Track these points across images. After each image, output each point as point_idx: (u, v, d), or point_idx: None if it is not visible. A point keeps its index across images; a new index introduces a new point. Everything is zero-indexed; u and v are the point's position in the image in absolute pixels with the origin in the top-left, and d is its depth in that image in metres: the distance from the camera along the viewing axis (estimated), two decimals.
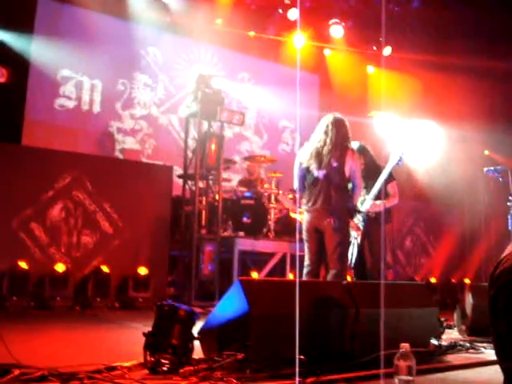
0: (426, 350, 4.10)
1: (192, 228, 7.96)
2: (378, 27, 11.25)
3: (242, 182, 9.49)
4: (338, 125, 5.46)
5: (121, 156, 10.46)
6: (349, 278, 6.17)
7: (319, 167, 5.33)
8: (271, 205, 8.80)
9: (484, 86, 11.41)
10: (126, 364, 3.21)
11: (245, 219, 8.67)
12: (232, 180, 10.43)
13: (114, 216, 7.85)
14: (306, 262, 5.40)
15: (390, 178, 6.12)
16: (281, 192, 9.03)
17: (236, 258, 8.20)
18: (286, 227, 9.05)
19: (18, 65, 9.13)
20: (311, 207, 5.36)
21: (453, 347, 4.52)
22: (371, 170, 6.07)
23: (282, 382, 3.05)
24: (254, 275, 8.38)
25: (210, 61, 11.73)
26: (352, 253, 5.90)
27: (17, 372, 2.85)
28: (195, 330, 3.50)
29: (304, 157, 5.48)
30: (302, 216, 5.62)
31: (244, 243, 8.40)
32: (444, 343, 4.53)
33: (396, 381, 2.78)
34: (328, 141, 5.36)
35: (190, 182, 8.40)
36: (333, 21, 11.86)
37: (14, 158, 7.29)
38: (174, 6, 10.76)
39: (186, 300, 7.45)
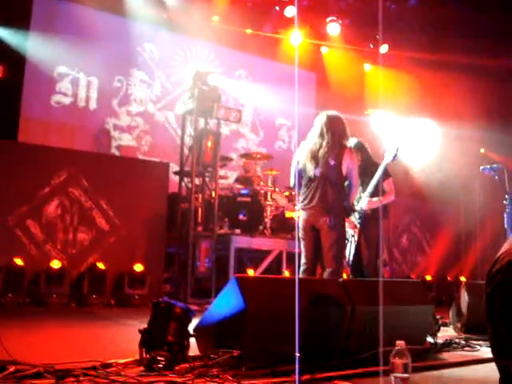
0: (421, 348, 4.11)
1: (188, 225, 7.96)
2: (375, 25, 11.25)
3: (238, 180, 9.49)
4: (333, 124, 5.44)
5: (117, 153, 10.45)
6: (345, 276, 6.17)
7: (316, 166, 5.33)
8: (267, 202, 8.80)
9: (481, 85, 11.42)
10: (122, 361, 3.21)
11: (241, 216, 8.67)
12: (228, 177, 10.43)
13: (110, 213, 7.84)
14: (303, 260, 5.40)
15: (386, 174, 6.11)
16: (277, 189, 9.03)
17: (232, 255, 8.20)
18: (282, 225, 9.06)
19: (14, 61, 9.11)
20: (307, 205, 5.36)
21: (448, 345, 4.53)
22: (368, 168, 6.07)
23: (277, 379, 3.05)
24: (250, 272, 8.38)
25: (207, 58, 11.72)
26: (349, 251, 5.91)
27: (12, 368, 2.84)
28: (191, 327, 3.49)
29: (301, 156, 5.47)
30: (299, 214, 5.62)
31: (240, 240, 8.40)
32: (439, 341, 4.54)
33: (392, 378, 2.78)
34: (324, 143, 5.35)
35: (186, 179, 8.39)
36: (330, 18, 11.85)
37: (10, 155, 7.28)
38: (170, 2, 10.74)
39: (182, 297, 7.45)
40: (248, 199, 8.74)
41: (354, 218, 5.91)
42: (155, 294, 7.12)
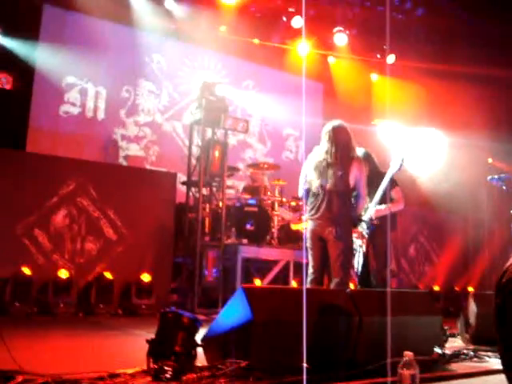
0: (429, 359, 4.09)
1: (195, 235, 7.96)
2: (382, 35, 11.27)
3: (245, 189, 9.49)
4: (338, 135, 5.43)
5: (125, 163, 10.48)
6: (352, 286, 6.16)
7: (322, 178, 5.32)
8: (274, 212, 8.80)
9: (488, 94, 11.41)
10: (129, 371, 3.21)
11: (248, 226, 8.66)
12: (236, 187, 10.44)
13: (117, 222, 7.86)
14: (310, 269, 5.40)
15: (393, 183, 6.10)
16: (284, 199, 9.03)
17: (239, 266, 8.18)
18: (290, 235, 9.05)
19: (23, 71, 9.17)
20: (314, 216, 5.36)
21: (456, 356, 4.51)
22: (374, 178, 6.06)
23: None
24: (257, 282, 8.37)
25: (215, 68, 11.77)
26: (357, 261, 5.89)
27: (20, 378, 2.85)
28: (198, 338, 3.49)
29: (308, 168, 5.48)
30: (305, 225, 5.62)
31: (247, 250, 8.39)
32: (448, 352, 4.51)
33: None
34: (330, 155, 5.35)
35: (193, 189, 8.40)
36: (337, 29, 11.88)
37: (19, 165, 7.31)
38: (178, 13, 10.80)
39: (190, 307, 7.44)
40: (255, 209, 8.74)
41: (362, 229, 5.90)
42: (162, 304, 7.12)
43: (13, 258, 7.01)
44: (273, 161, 11.61)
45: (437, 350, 4.38)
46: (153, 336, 3.35)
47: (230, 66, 11.90)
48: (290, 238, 9.02)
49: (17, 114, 9.15)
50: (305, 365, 3.06)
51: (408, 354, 2.79)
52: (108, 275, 7.53)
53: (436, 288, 10.93)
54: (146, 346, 3.28)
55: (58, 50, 9.53)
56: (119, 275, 7.62)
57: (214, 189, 8.58)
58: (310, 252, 5.43)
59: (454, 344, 5.35)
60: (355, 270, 5.90)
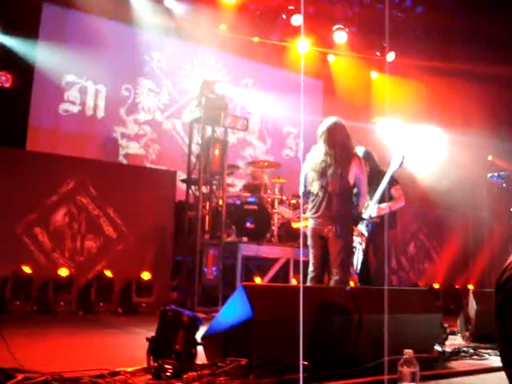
0: (429, 356, 4.09)
1: (195, 233, 7.96)
2: (381, 33, 11.27)
3: (246, 187, 9.49)
4: (335, 133, 5.40)
5: (125, 161, 10.48)
6: (352, 284, 6.16)
7: (322, 178, 5.31)
8: (274, 210, 8.80)
9: (488, 92, 11.40)
10: (130, 369, 3.21)
11: (248, 224, 8.66)
12: (236, 185, 10.44)
13: (117, 221, 7.86)
14: (311, 267, 5.40)
15: (394, 181, 6.10)
16: (284, 197, 9.03)
17: (239, 263, 8.19)
18: (290, 232, 9.05)
19: (23, 70, 9.16)
20: (314, 214, 5.37)
21: (456, 353, 4.51)
22: (375, 176, 6.06)
23: None
24: (258, 280, 8.37)
25: (214, 66, 11.76)
26: (357, 259, 5.90)
27: (20, 377, 2.85)
28: (199, 336, 3.49)
29: (307, 168, 5.47)
30: (306, 223, 5.62)
31: (247, 248, 8.39)
32: (448, 349, 4.52)
33: None
34: (327, 154, 5.33)
35: (193, 187, 8.40)
36: (336, 26, 11.86)
37: (19, 163, 7.32)
38: (177, 11, 10.79)
39: (190, 305, 7.45)
40: (255, 207, 8.75)
41: (362, 227, 5.90)
42: (162, 302, 7.13)
43: (13, 256, 7.02)
44: (273, 159, 11.61)
45: (437, 347, 4.38)
46: (153, 334, 3.36)
47: (230, 64, 11.89)
48: (290, 235, 9.02)
49: (16, 113, 9.14)
50: (304, 362, 3.07)
51: (408, 352, 2.79)
52: (108, 273, 7.54)
53: (436, 286, 10.93)
54: (146, 344, 3.28)
55: (58, 49, 9.52)
56: (119, 273, 7.63)
57: (214, 187, 8.58)
58: (310, 250, 5.44)
59: (454, 342, 5.35)
60: (354, 267, 5.90)
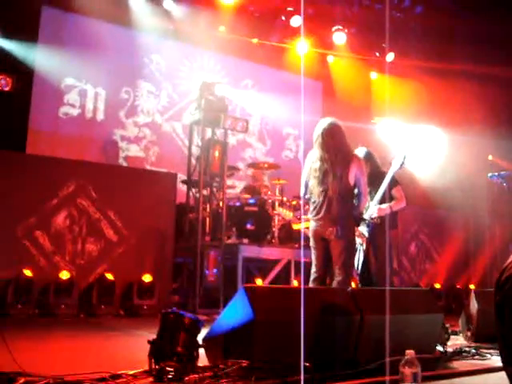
0: (431, 357, 4.09)
1: (196, 235, 7.96)
2: (381, 33, 11.28)
3: (246, 189, 9.49)
4: (330, 139, 5.36)
5: (125, 163, 10.48)
6: (353, 285, 6.15)
7: (323, 183, 5.30)
8: (275, 212, 8.79)
9: (488, 92, 11.40)
10: (131, 372, 3.21)
11: (249, 226, 8.66)
12: (236, 187, 10.44)
13: (118, 223, 7.86)
14: (313, 269, 5.39)
15: (395, 182, 6.09)
16: (285, 198, 9.03)
17: (240, 265, 8.19)
18: (290, 234, 9.05)
19: (23, 73, 9.16)
20: (315, 216, 5.36)
21: (458, 353, 4.51)
22: (376, 177, 6.05)
23: None
24: (259, 282, 8.37)
25: (214, 68, 11.76)
26: (358, 260, 5.89)
27: (22, 380, 2.85)
28: (200, 338, 3.49)
29: (306, 170, 5.46)
30: (307, 224, 5.61)
31: (248, 250, 8.39)
32: (449, 349, 4.52)
33: None
34: (325, 157, 5.31)
35: (193, 189, 8.40)
36: (336, 27, 11.87)
37: (18, 167, 7.33)
38: (176, 13, 10.79)
39: (191, 307, 7.44)
40: (256, 209, 8.75)
41: (363, 227, 5.89)
42: (164, 305, 7.13)
43: (14, 259, 7.03)
44: (273, 160, 11.61)
45: (438, 347, 4.38)
46: (154, 337, 3.35)
47: (229, 66, 11.89)
48: (291, 237, 9.01)
49: (16, 116, 9.14)
50: (306, 364, 3.06)
51: (410, 353, 2.79)
52: (109, 276, 7.54)
53: (437, 286, 10.93)
54: (148, 347, 3.28)
55: (57, 52, 9.53)
56: (120, 276, 7.63)
57: (215, 189, 8.58)
58: (313, 251, 5.43)
59: (456, 342, 5.34)
60: (355, 268, 5.90)
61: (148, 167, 10.58)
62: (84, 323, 6.71)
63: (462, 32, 11.19)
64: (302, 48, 11.92)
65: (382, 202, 5.95)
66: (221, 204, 8.38)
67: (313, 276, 5.37)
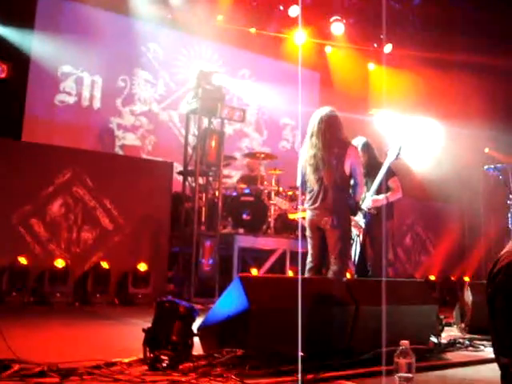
0: (425, 348, 4.10)
1: (192, 224, 7.97)
2: (379, 24, 11.25)
3: (242, 179, 9.49)
4: (327, 124, 5.34)
5: (121, 152, 10.46)
6: (348, 275, 6.17)
7: (318, 171, 5.29)
8: (271, 202, 8.80)
9: (485, 84, 11.39)
10: (126, 360, 3.21)
11: (244, 216, 8.67)
12: (232, 177, 10.44)
13: (113, 212, 7.85)
14: (309, 258, 5.39)
15: (391, 173, 6.08)
16: (281, 188, 9.03)
17: (236, 255, 8.21)
18: (286, 224, 9.06)
19: (19, 60, 9.11)
20: (311, 206, 5.35)
21: (452, 345, 4.53)
22: (373, 168, 6.04)
23: (281, 378, 3.05)
24: (254, 272, 8.38)
25: (211, 57, 11.72)
26: (355, 250, 5.89)
27: (16, 367, 2.85)
28: (195, 327, 3.50)
29: (302, 160, 5.45)
30: (303, 214, 5.61)
31: (244, 240, 8.40)
32: (443, 341, 4.53)
33: (396, 378, 2.77)
34: (321, 146, 5.29)
35: (190, 179, 8.40)
36: (334, 18, 11.84)
37: (14, 154, 7.29)
38: (174, 1, 10.75)
39: (186, 296, 7.46)
40: (252, 199, 8.74)
41: (360, 218, 5.89)
42: (159, 293, 7.12)
43: (9, 247, 7.01)
44: (269, 150, 11.60)
45: (433, 339, 4.39)
46: (149, 325, 3.36)
47: (227, 55, 11.85)
48: (287, 227, 9.03)
49: (12, 104, 9.11)
50: (300, 353, 3.07)
51: (404, 343, 2.80)
52: (104, 265, 7.53)
53: (432, 277, 10.97)
54: (143, 335, 3.28)
55: (54, 39, 9.48)
56: (116, 265, 7.62)
57: (211, 178, 8.58)
58: (309, 241, 5.43)
59: (450, 333, 5.36)
60: (352, 259, 5.90)
61: (144, 156, 10.57)
62: (79, 311, 6.71)
63: (460, 23, 11.18)
64: (299, 38, 11.88)
65: (378, 192, 5.95)
66: (217, 194, 8.38)
67: (308, 266, 5.38)
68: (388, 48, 12.23)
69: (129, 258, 7.77)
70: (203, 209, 8.45)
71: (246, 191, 8.88)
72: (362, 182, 5.47)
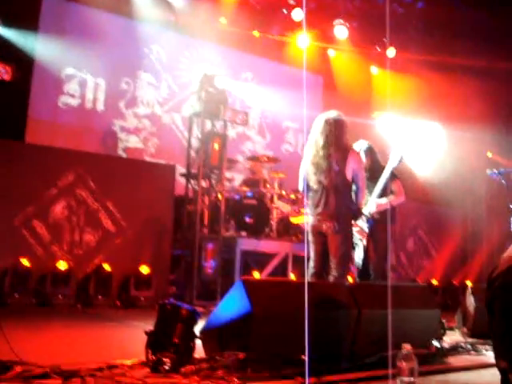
0: (427, 352, 4.10)
1: (194, 227, 7.96)
2: (382, 28, 11.23)
3: (245, 182, 9.49)
4: (331, 128, 5.34)
5: (124, 155, 10.46)
6: (350, 279, 6.16)
7: (320, 172, 5.29)
8: (273, 205, 8.79)
9: (489, 87, 11.39)
10: (128, 362, 3.22)
11: (247, 219, 8.67)
12: (235, 180, 10.43)
13: (116, 214, 7.85)
14: (311, 263, 5.39)
15: (394, 176, 6.08)
16: (284, 192, 9.03)
17: (238, 258, 8.19)
18: (289, 227, 9.05)
19: (23, 62, 9.12)
20: (314, 211, 5.35)
21: (454, 349, 4.53)
22: (376, 172, 6.04)
23: (283, 381, 3.06)
24: (256, 275, 8.37)
25: (214, 60, 11.71)
26: (357, 255, 5.88)
27: (19, 369, 2.86)
28: (197, 329, 3.50)
29: (305, 164, 5.45)
30: (306, 218, 5.61)
31: (246, 243, 8.39)
32: (445, 345, 4.53)
33: (398, 382, 2.77)
34: (324, 150, 5.29)
35: (192, 182, 8.40)
36: (337, 21, 11.84)
37: (18, 156, 7.30)
38: (178, 4, 10.76)
39: (188, 299, 7.45)
40: (254, 202, 8.74)
41: (362, 222, 5.88)
42: (161, 296, 7.12)
43: (12, 249, 7.01)
44: (272, 153, 11.59)
45: (435, 343, 4.39)
46: (151, 328, 3.36)
47: (230, 58, 11.85)
48: (289, 230, 9.02)
49: (16, 105, 9.11)
50: (303, 357, 3.07)
51: (406, 347, 2.79)
52: (107, 267, 7.54)
53: (434, 282, 10.95)
54: (145, 338, 3.28)
55: (58, 41, 9.49)
56: (118, 267, 7.62)
57: (213, 181, 8.58)
58: (311, 246, 5.43)
59: (452, 337, 5.35)
60: (355, 263, 5.89)
61: (147, 159, 10.56)
62: (81, 313, 6.71)
63: (463, 27, 11.17)
64: (303, 41, 11.88)
65: (381, 196, 5.95)
66: (219, 196, 8.37)
67: (311, 271, 5.37)
68: (391, 52, 12.22)
69: (131, 261, 7.77)
70: (206, 212, 8.45)
71: (249, 194, 8.88)
72: (363, 186, 5.46)
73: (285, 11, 11.64)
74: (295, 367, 3.13)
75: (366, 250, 5.90)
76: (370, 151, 6.16)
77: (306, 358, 2.96)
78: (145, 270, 7.73)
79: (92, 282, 7.37)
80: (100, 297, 7.36)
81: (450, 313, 6.78)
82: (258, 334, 3.34)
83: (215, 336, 3.57)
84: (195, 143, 8.55)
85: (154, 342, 3.27)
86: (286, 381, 3.05)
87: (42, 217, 7.31)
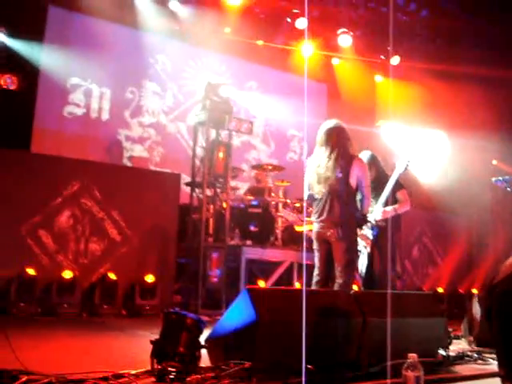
0: (433, 361, 4.08)
1: (199, 236, 7.97)
2: (386, 36, 11.26)
3: (250, 190, 9.49)
4: (334, 137, 5.36)
5: (129, 164, 10.49)
6: (355, 288, 6.15)
7: (324, 181, 5.30)
8: (278, 213, 8.79)
9: (493, 95, 11.38)
10: (133, 372, 3.21)
11: (252, 228, 8.66)
12: (240, 188, 10.44)
13: (121, 223, 7.86)
14: (316, 271, 5.39)
15: (399, 185, 6.07)
16: (288, 200, 9.03)
17: (243, 267, 8.19)
18: (293, 236, 9.04)
19: (28, 72, 9.18)
20: (318, 219, 5.36)
21: (461, 358, 4.51)
22: (380, 181, 6.03)
23: None
24: (261, 284, 8.37)
25: (219, 69, 11.76)
26: (362, 262, 5.87)
27: (24, 378, 2.86)
28: (202, 339, 3.50)
29: (309, 173, 5.46)
30: (310, 227, 5.61)
31: (251, 252, 8.39)
32: (452, 354, 4.51)
33: None
34: (327, 159, 5.30)
35: (197, 190, 8.41)
36: (341, 30, 11.86)
37: (23, 165, 7.32)
38: (182, 14, 10.80)
39: (193, 308, 7.44)
40: (259, 210, 8.74)
41: (368, 230, 5.87)
42: (166, 305, 7.13)
43: (17, 258, 7.03)
44: (277, 162, 11.60)
45: (441, 351, 4.37)
46: (157, 337, 3.36)
47: (234, 67, 11.90)
48: (294, 239, 9.00)
49: (21, 115, 9.15)
50: (308, 366, 3.06)
51: (412, 356, 2.79)
52: (112, 276, 7.54)
53: (440, 290, 10.91)
54: (150, 347, 3.28)
55: (63, 51, 9.55)
56: (123, 276, 7.63)
57: (218, 190, 8.59)
58: (316, 254, 5.43)
59: (459, 346, 5.33)
60: (359, 271, 5.88)
61: (152, 168, 10.59)
62: (86, 323, 6.71)
63: (468, 36, 11.19)
64: (306, 50, 11.91)
65: (386, 204, 5.94)
66: (224, 205, 8.38)
67: (315, 279, 5.37)
68: (395, 60, 12.23)
69: (136, 270, 7.78)
70: (211, 220, 8.45)
71: (254, 203, 8.88)
72: (368, 194, 5.46)
73: (289, 20, 11.67)
74: (301, 376, 3.12)
75: (371, 258, 5.89)
76: (373, 160, 6.15)
77: (304, 368, 2.95)
78: (150, 278, 7.73)
79: (97, 291, 7.37)
80: (105, 306, 7.35)
81: (456, 321, 6.75)
82: (263, 343, 3.33)
83: (221, 345, 3.57)
84: (200, 152, 8.56)
85: (160, 351, 3.27)
86: None
87: (48, 226, 7.32)
